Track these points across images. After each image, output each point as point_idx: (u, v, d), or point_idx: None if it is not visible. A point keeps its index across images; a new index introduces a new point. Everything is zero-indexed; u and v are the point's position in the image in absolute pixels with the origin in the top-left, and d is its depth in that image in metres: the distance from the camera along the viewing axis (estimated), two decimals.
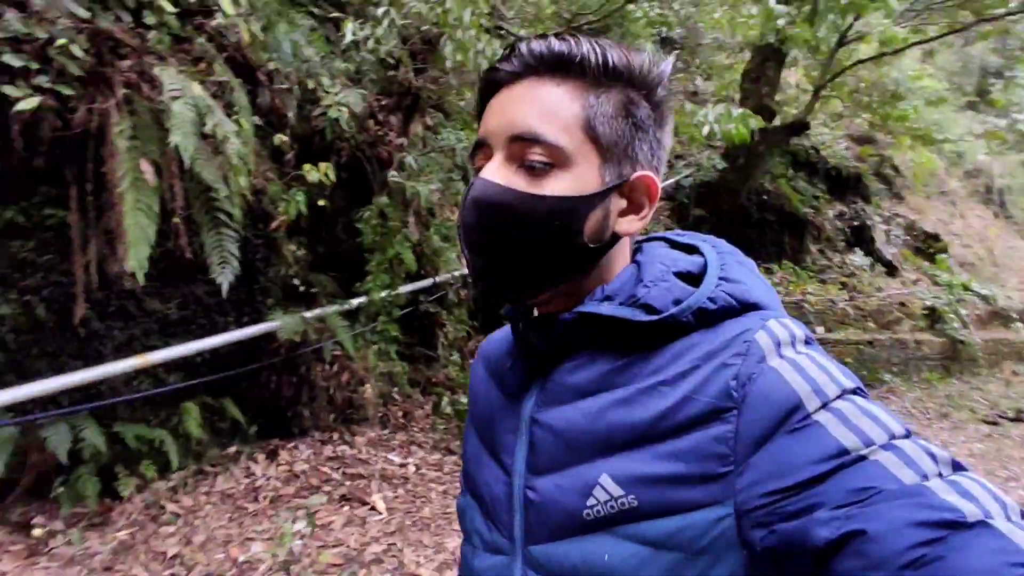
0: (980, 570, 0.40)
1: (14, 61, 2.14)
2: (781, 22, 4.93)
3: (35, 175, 2.63)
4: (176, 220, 2.66)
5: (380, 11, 3.34)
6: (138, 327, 3.13)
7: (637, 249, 0.71)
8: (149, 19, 2.44)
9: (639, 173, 0.63)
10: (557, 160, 0.60)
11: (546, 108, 0.60)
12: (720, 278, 0.63)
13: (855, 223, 9.13)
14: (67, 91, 2.33)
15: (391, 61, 3.92)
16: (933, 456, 0.49)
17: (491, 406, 0.73)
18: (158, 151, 2.33)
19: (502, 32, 4.73)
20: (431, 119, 4.65)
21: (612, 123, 0.61)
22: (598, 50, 0.61)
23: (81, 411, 2.86)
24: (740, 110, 4.57)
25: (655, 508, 0.55)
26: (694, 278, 0.64)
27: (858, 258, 8.70)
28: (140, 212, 2.19)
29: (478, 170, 0.64)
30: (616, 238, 0.65)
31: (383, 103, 4.12)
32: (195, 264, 2.97)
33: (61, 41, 2.09)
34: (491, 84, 0.64)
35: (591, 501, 0.58)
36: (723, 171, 7.90)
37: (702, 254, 0.68)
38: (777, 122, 7.71)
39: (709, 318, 0.60)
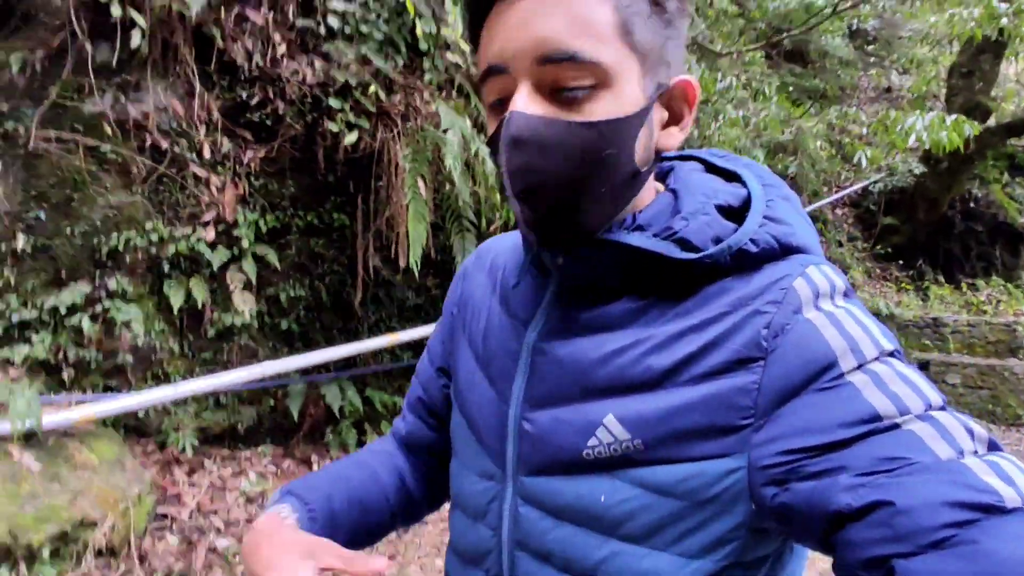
0: (1017, 559, 0.37)
1: (335, 103, 2.81)
2: (1004, 21, 4.53)
3: (328, 187, 3.36)
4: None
5: None
6: (385, 311, 3.83)
7: (669, 169, 0.65)
8: (422, 63, 3.03)
9: (678, 78, 0.57)
10: (599, 79, 0.51)
11: (575, 16, 0.50)
12: (765, 217, 0.57)
13: None
14: (364, 124, 2.97)
15: None
16: (971, 432, 0.46)
17: (491, 326, 0.68)
18: (428, 170, 2.89)
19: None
20: None
21: (648, 23, 0.53)
22: None
23: (346, 376, 3.59)
24: (953, 116, 4.30)
25: (662, 455, 0.52)
26: (734, 212, 0.59)
27: None
28: (417, 220, 2.75)
29: (495, 104, 0.56)
30: (658, 155, 0.59)
31: None
32: (435, 261, 3.57)
33: (372, 88, 2.72)
34: None
35: (592, 441, 0.55)
36: (920, 176, 7.29)
37: (744, 183, 0.61)
38: (992, 122, 6.95)
39: (748, 260, 0.55)
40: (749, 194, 0.59)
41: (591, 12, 0.50)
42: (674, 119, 0.59)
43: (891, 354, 0.50)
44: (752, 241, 0.55)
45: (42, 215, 2.76)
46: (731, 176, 0.63)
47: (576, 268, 0.59)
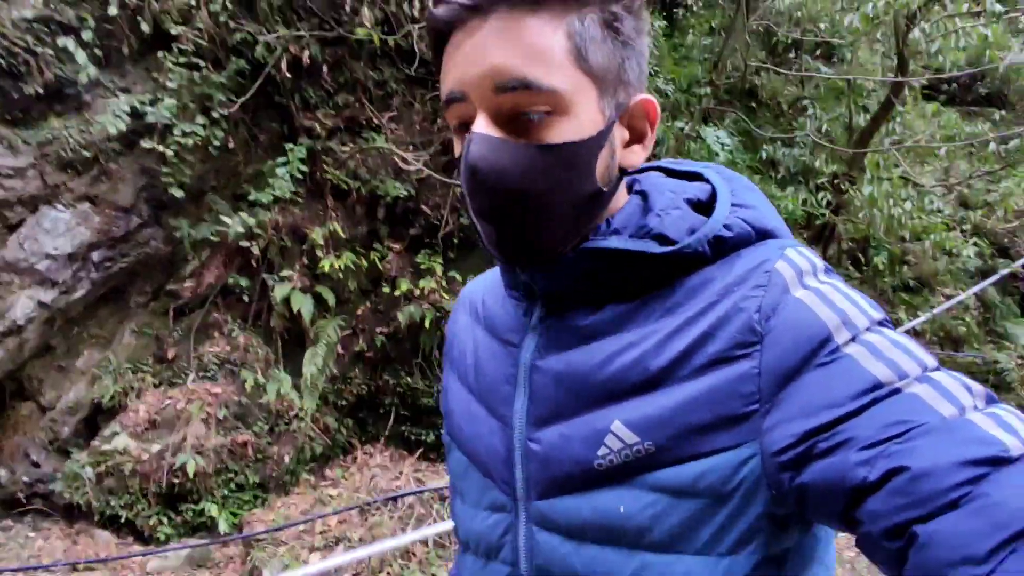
0: None
1: None
2: None
3: None
4: None
5: None
6: None
7: (633, 181, 0.66)
8: None
9: (637, 97, 0.58)
10: (554, 105, 0.53)
11: (530, 46, 0.52)
12: (733, 204, 0.59)
13: None
14: None
15: None
16: (968, 388, 0.46)
17: (480, 355, 0.68)
18: None
19: None
20: None
21: (602, 47, 0.54)
22: None
23: None
24: None
25: (674, 454, 0.52)
26: (703, 207, 0.60)
27: None
28: None
29: (458, 128, 0.58)
30: (623, 173, 0.60)
31: None
32: None
33: None
34: (448, 23, 0.55)
35: (603, 450, 0.54)
36: None
37: (706, 181, 0.64)
38: None
39: (725, 248, 0.57)
40: (714, 188, 0.61)
41: (544, 40, 0.51)
42: (636, 137, 0.59)
43: (880, 323, 0.51)
44: (726, 227, 0.57)
45: None
46: (693, 177, 0.66)
47: (558, 282, 0.59)
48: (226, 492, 3.99)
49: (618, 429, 0.54)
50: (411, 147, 5.02)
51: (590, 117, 0.55)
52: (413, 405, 4.70)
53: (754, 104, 6.63)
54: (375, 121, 5.02)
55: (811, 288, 0.53)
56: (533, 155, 0.54)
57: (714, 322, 0.53)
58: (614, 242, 0.57)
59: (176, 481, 3.88)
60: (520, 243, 0.58)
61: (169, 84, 4.03)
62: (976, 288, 5.67)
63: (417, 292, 4.56)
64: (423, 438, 4.63)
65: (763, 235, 0.59)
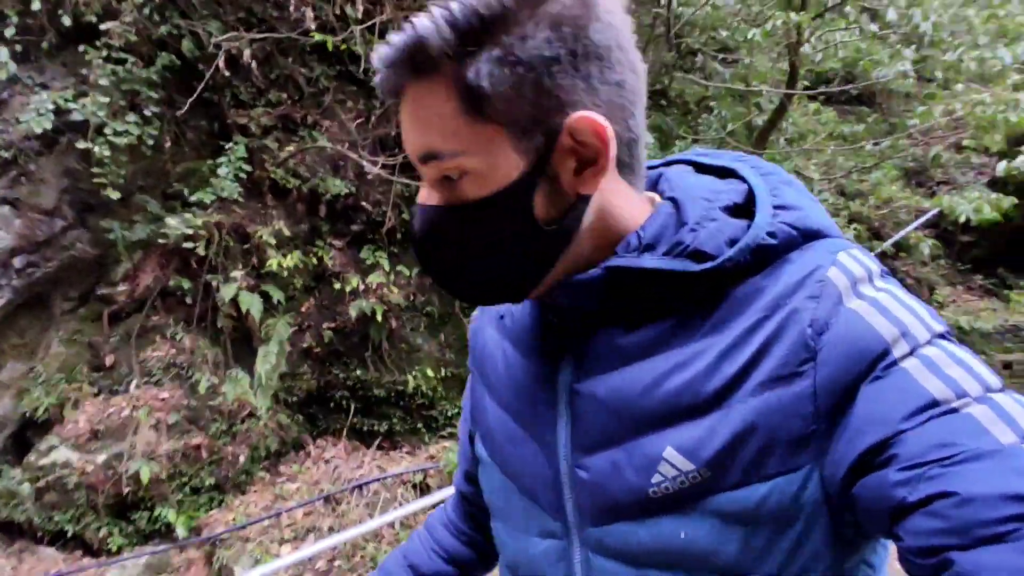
0: None
1: None
2: None
3: None
4: None
5: None
6: None
7: (658, 177, 0.63)
8: None
9: (573, 117, 0.52)
10: (462, 165, 0.52)
11: (426, 118, 0.53)
12: (775, 207, 0.55)
13: None
14: None
15: None
16: None
17: (513, 374, 0.66)
18: None
19: None
20: None
21: (500, 89, 0.50)
22: (437, 20, 0.49)
23: None
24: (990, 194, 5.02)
25: (733, 480, 0.50)
26: (741, 209, 0.57)
27: None
28: None
29: None
30: (585, 198, 0.55)
31: None
32: None
33: None
34: (391, 95, 0.55)
35: (657, 478, 0.53)
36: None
37: (741, 178, 0.60)
38: None
39: (770, 255, 0.53)
40: (750, 188, 0.58)
41: (437, 109, 0.51)
42: (589, 159, 0.53)
43: (942, 336, 0.49)
44: (769, 234, 0.53)
45: None
46: (724, 173, 0.62)
47: (591, 301, 0.57)
48: (180, 496, 3.95)
49: (671, 456, 0.52)
50: (347, 144, 5.07)
51: (505, 166, 0.52)
52: (364, 397, 4.81)
53: (664, 102, 7.18)
54: (309, 119, 5.03)
55: (867, 297, 0.50)
56: (457, 215, 0.55)
57: (766, 339, 0.51)
58: (647, 261, 0.54)
59: (128, 490, 3.80)
60: (475, 296, 0.59)
61: (99, 80, 3.86)
62: None
63: (363, 287, 4.67)
64: (376, 428, 4.76)
65: (810, 236, 0.55)
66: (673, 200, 0.59)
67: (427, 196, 0.57)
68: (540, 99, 0.51)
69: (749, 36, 4.70)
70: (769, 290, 0.53)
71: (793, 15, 4.37)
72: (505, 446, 0.67)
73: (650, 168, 0.65)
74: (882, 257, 7.79)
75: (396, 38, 0.52)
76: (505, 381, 0.68)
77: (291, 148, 4.54)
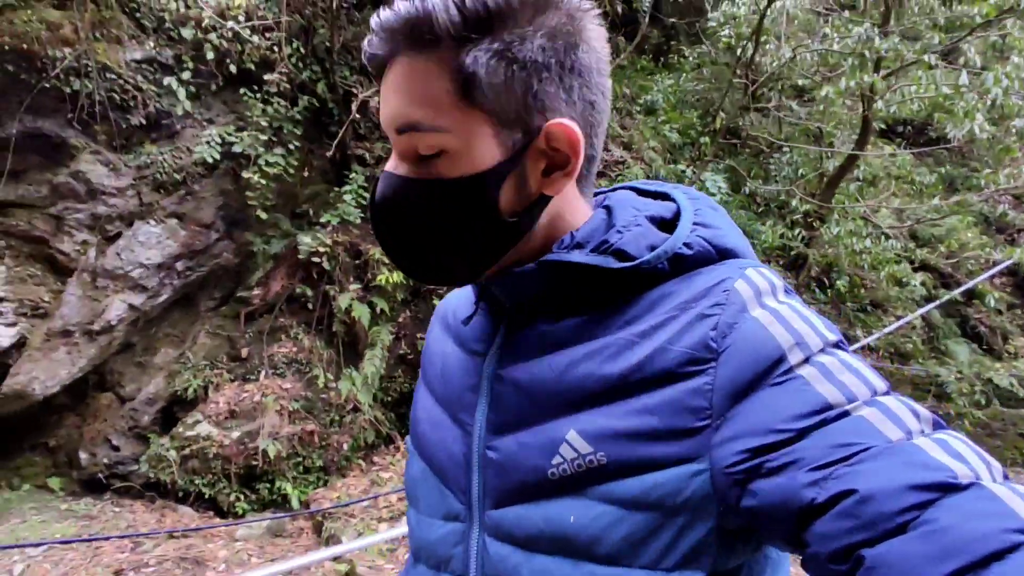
0: (976, 535, 0.39)
1: None
2: None
3: None
4: None
5: None
6: None
7: (604, 197, 0.67)
8: None
9: (552, 123, 0.56)
10: (443, 144, 0.55)
11: (416, 90, 0.55)
12: (695, 223, 0.60)
13: None
14: None
15: None
16: (916, 413, 0.47)
17: (449, 365, 0.70)
18: None
19: None
20: None
21: (494, 79, 0.54)
22: (447, 0, 0.52)
23: None
24: None
25: (626, 465, 0.52)
26: (667, 225, 0.61)
27: None
28: None
29: None
30: (547, 198, 0.59)
31: None
32: None
33: None
34: (375, 68, 0.58)
35: (556, 459, 0.55)
36: None
37: (673, 200, 0.65)
38: None
39: (685, 265, 0.58)
40: (679, 208, 0.63)
41: (429, 85, 0.54)
42: (558, 163, 0.58)
43: (836, 345, 0.52)
44: (686, 245, 0.58)
45: None
46: (661, 197, 0.67)
47: (522, 293, 0.61)
48: (295, 474, 4.63)
49: (573, 439, 0.55)
50: None
51: (484, 152, 0.55)
52: None
53: (736, 142, 7.53)
54: None
55: (768, 308, 0.53)
56: (424, 189, 0.56)
57: (670, 336, 0.54)
58: (575, 256, 0.58)
59: (254, 463, 4.50)
60: (427, 273, 0.61)
61: (256, 119, 4.65)
62: (922, 311, 6.63)
63: None
64: None
65: (724, 254, 0.60)
66: (607, 208, 0.64)
67: (395, 166, 0.58)
68: (526, 99, 0.55)
69: (823, 94, 5.04)
70: (679, 295, 0.56)
71: (866, 76, 4.70)
72: (427, 432, 0.69)
73: (597, 194, 0.69)
74: (952, 304, 7.77)
75: (401, 6, 0.54)
76: (440, 373, 0.71)
77: None
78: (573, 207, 0.63)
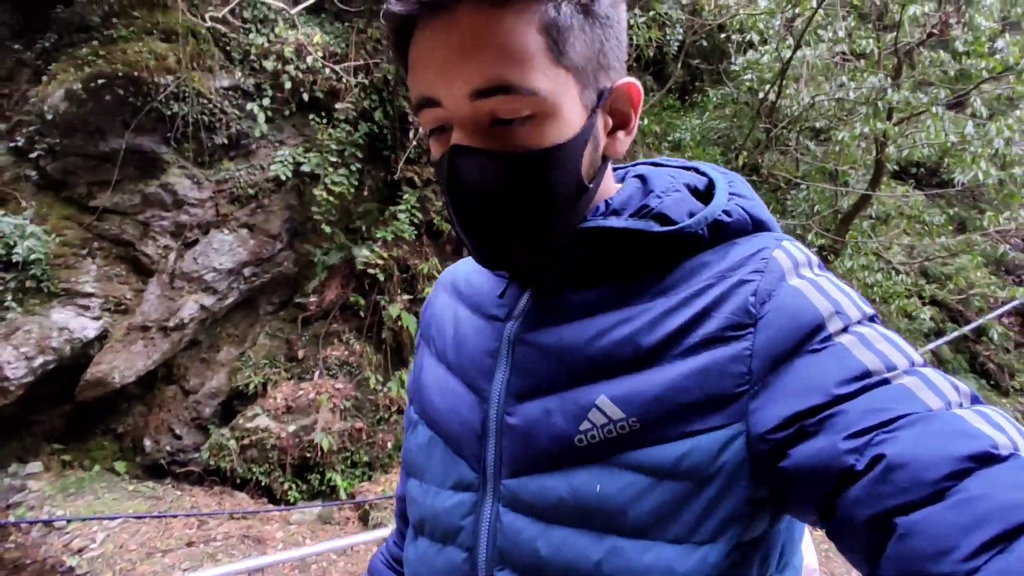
0: (1010, 504, 0.38)
1: None
2: None
3: None
4: None
5: None
6: None
7: (625, 173, 0.66)
8: None
9: (619, 81, 0.56)
10: (536, 107, 0.50)
11: (503, 45, 0.49)
12: (731, 193, 0.60)
13: None
14: None
15: None
16: (955, 386, 0.47)
17: (463, 331, 0.67)
18: None
19: None
20: None
21: (579, 36, 0.52)
22: None
23: None
24: None
25: (659, 432, 0.51)
26: (700, 196, 0.61)
27: None
28: None
29: (436, 131, 0.55)
30: (606, 160, 0.58)
31: None
32: None
33: None
34: (406, 19, 0.52)
35: (585, 425, 0.53)
36: None
37: (702, 174, 0.64)
38: None
39: (723, 233, 0.57)
40: (710, 180, 0.62)
41: (518, 38, 0.49)
42: (620, 122, 0.57)
43: (871, 318, 0.52)
44: (725, 212, 0.57)
45: None
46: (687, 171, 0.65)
47: (554, 261, 0.59)
48: (344, 467, 5.03)
49: (604, 404, 0.53)
50: None
51: (572, 115, 0.53)
52: None
53: (756, 179, 7.98)
54: None
55: (807, 278, 0.53)
56: (519, 166, 0.52)
57: (709, 303, 0.53)
58: (614, 222, 0.56)
59: (308, 455, 4.91)
60: (509, 253, 0.57)
61: (326, 142, 5.17)
62: (932, 345, 6.96)
63: None
64: None
65: (758, 225, 0.59)
66: (640, 176, 0.62)
67: (468, 139, 0.52)
68: (599, 57, 0.53)
69: (840, 137, 5.49)
70: (717, 264, 0.55)
71: (879, 123, 5.15)
72: (437, 400, 0.67)
73: (615, 170, 0.68)
74: (962, 340, 8.08)
75: None
76: (451, 339, 0.68)
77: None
78: (609, 174, 0.62)
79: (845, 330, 0.50)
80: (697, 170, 0.65)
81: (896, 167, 8.11)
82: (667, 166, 0.66)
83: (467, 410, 0.62)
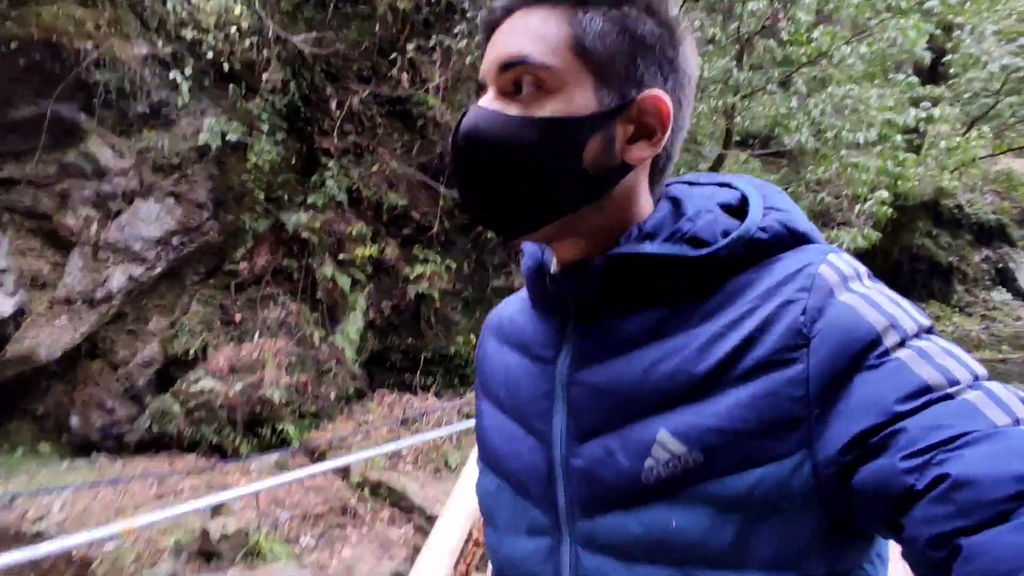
0: None
1: None
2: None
3: None
4: None
5: None
6: None
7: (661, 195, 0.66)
8: None
9: (647, 93, 0.57)
10: (546, 81, 0.56)
11: (532, 31, 0.57)
12: (766, 207, 0.59)
13: (999, 265, 10.90)
14: None
15: None
16: (1023, 400, 0.45)
17: (514, 375, 0.68)
18: None
19: None
20: None
21: (606, 40, 0.56)
22: None
23: None
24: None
25: (724, 464, 0.50)
26: (734, 212, 0.60)
27: (999, 294, 10.47)
28: None
29: None
30: (627, 167, 0.59)
31: None
32: None
33: None
34: (490, 24, 0.61)
35: (649, 462, 0.53)
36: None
37: (734, 188, 0.63)
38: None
39: (761, 250, 0.56)
40: (743, 195, 0.61)
41: (547, 27, 0.56)
42: (644, 134, 0.59)
43: (928, 330, 0.51)
44: (761, 229, 0.56)
45: None
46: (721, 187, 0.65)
47: (589, 289, 0.60)
48: (293, 419, 5.37)
49: (664, 439, 0.53)
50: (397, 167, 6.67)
51: (582, 101, 0.56)
52: (414, 359, 6.35)
53: None
54: (370, 146, 6.61)
55: (857, 292, 0.52)
56: (514, 123, 0.56)
57: (758, 325, 0.52)
58: (647, 247, 0.57)
59: (257, 411, 5.19)
60: (494, 209, 0.60)
61: (254, 112, 5.35)
62: None
63: (414, 276, 6.25)
64: (426, 383, 6.31)
65: (799, 239, 0.58)
66: (672, 199, 0.63)
67: (487, 102, 0.58)
68: (628, 69, 0.57)
69: (699, 111, 6.67)
70: (761, 282, 0.54)
71: (729, 97, 6.37)
72: (500, 447, 0.68)
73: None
74: None
75: None
76: (504, 383, 0.69)
77: (370, 170, 6.11)
78: (643, 198, 0.62)
79: (902, 344, 0.49)
80: (730, 185, 0.64)
81: (738, 137, 9.71)
82: (701, 184, 0.67)
83: (529, 454, 0.63)
